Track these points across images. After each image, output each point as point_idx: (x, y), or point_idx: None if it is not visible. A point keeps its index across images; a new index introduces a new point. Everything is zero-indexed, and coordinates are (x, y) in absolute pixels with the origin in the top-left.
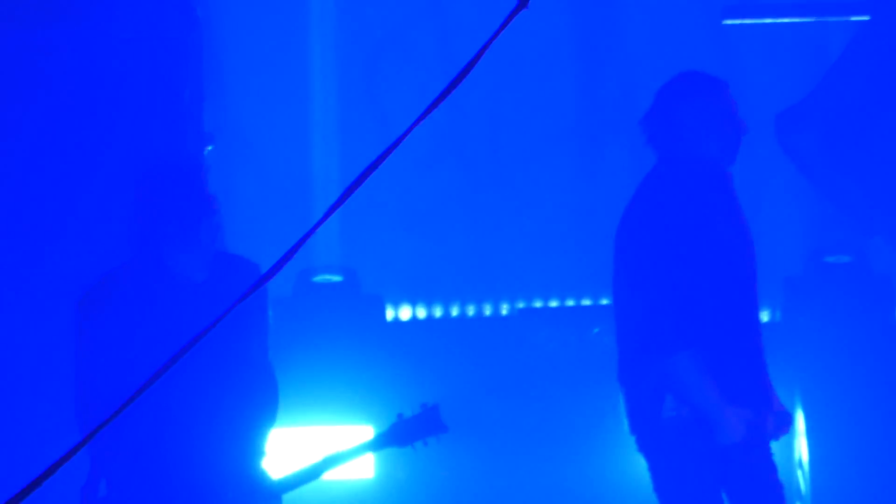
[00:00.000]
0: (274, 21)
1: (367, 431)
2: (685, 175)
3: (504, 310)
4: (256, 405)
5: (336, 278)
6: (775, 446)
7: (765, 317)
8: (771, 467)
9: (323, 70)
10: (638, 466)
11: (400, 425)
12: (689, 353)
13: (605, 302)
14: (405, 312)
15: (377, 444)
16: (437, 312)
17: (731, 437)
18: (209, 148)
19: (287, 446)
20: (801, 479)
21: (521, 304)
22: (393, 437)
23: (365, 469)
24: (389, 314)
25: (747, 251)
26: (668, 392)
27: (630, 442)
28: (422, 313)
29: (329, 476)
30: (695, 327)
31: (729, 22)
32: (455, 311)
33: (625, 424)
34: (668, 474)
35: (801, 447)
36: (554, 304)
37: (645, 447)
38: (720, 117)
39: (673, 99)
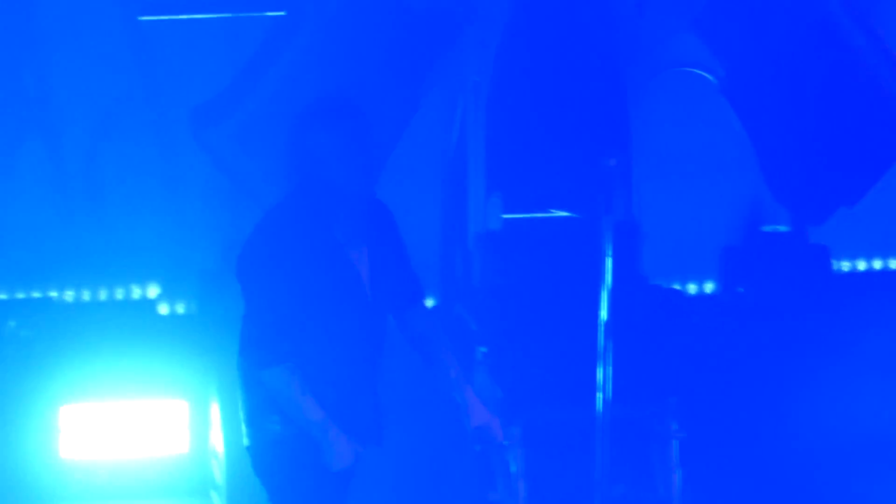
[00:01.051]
0: None
1: None
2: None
3: None
4: None
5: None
6: None
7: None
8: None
9: None
10: None
11: None
12: (284, 368)
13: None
14: None
15: None
16: None
17: (338, 463)
18: None
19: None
20: (217, 470)
21: None
22: None
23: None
24: None
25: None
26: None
27: None
28: None
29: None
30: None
31: (146, 18)
32: None
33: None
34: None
35: (217, 438)
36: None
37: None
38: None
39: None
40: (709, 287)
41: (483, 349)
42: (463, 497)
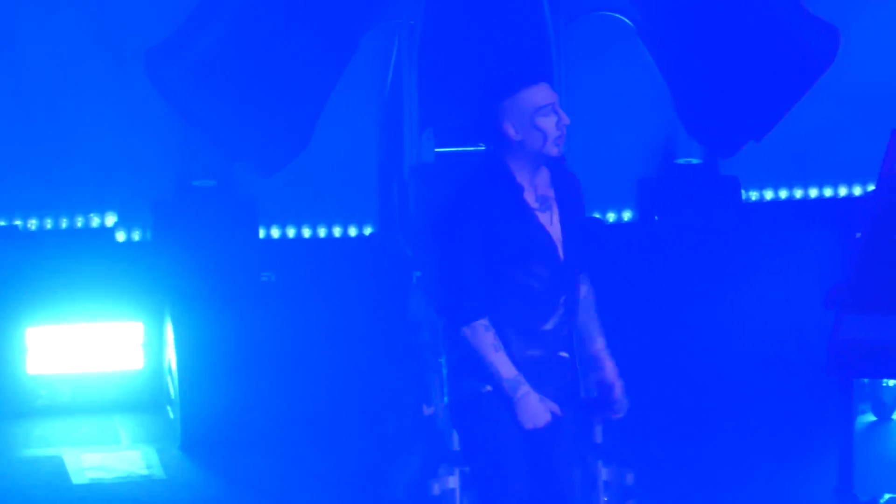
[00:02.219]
0: None
1: None
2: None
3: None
4: None
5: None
6: None
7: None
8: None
9: None
10: None
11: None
12: (481, 324)
13: None
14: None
15: None
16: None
17: (531, 422)
18: None
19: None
20: (170, 385)
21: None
22: None
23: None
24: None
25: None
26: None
27: None
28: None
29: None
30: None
31: None
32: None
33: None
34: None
35: (171, 356)
36: None
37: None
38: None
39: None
40: (627, 215)
41: (418, 273)
42: None
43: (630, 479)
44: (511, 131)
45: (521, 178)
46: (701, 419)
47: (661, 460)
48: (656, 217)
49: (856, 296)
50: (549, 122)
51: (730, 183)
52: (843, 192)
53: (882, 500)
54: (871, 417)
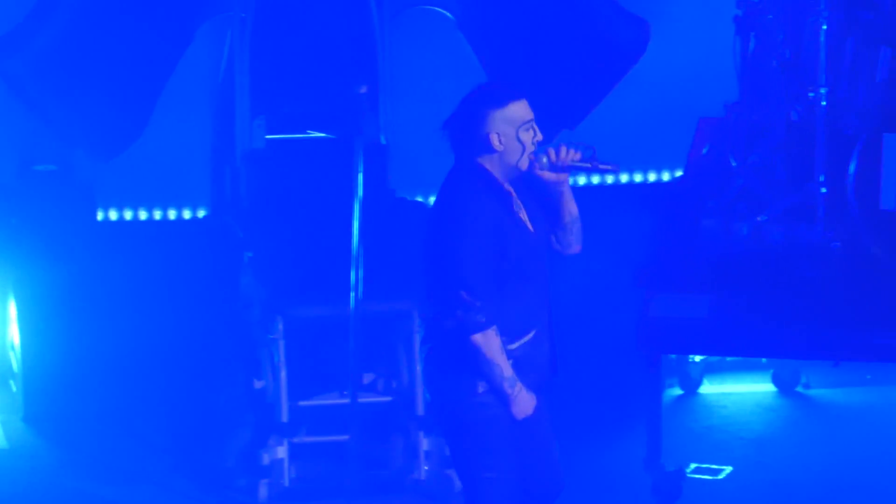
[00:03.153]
0: None
1: None
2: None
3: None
4: None
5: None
6: None
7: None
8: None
9: None
10: None
11: None
12: (492, 331)
13: None
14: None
15: None
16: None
17: (524, 412)
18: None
19: None
20: (13, 360)
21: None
22: None
23: None
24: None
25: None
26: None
27: None
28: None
29: None
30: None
31: None
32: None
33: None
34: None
35: (14, 333)
36: None
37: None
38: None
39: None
40: None
41: (249, 254)
42: None
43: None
44: (496, 141)
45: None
46: None
47: None
48: None
49: (663, 276)
50: (528, 137)
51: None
52: (652, 177)
53: (688, 470)
54: (678, 391)
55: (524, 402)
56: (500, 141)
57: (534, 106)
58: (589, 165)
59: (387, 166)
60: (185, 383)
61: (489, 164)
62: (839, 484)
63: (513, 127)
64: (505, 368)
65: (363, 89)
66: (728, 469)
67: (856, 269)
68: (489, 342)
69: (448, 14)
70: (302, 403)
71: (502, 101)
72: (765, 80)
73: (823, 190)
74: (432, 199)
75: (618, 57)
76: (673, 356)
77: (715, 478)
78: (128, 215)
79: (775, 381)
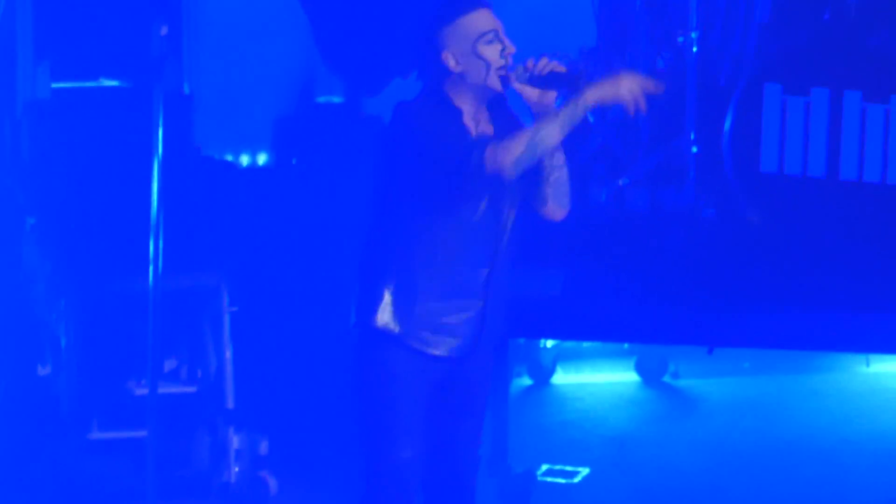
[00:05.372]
0: None
1: None
2: None
3: None
4: None
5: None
6: None
7: None
8: None
9: None
10: None
11: None
12: None
13: None
14: None
15: None
16: None
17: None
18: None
19: None
20: None
21: None
22: None
23: None
24: None
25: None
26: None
27: None
28: None
29: None
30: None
31: None
32: None
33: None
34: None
35: None
36: None
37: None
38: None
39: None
40: (262, 158)
41: (31, 220)
42: None
43: (264, 447)
44: (451, 62)
45: (462, 109)
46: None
47: (298, 428)
48: (294, 160)
49: None
50: (491, 51)
51: (373, 122)
52: None
53: (539, 472)
54: (527, 381)
55: (614, 81)
56: (455, 60)
57: (361, 52)
58: (577, 83)
59: (191, 120)
60: None
61: (456, 91)
62: (710, 487)
63: (468, 42)
64: (535, 130)
65: (164, 30)
66: (585, 471)
67: (732, 240)
68: (497, 148)
69: None
70: (93, 393)
71: (450, 16)
72: (626, 22)
73: (694, 149)
74: (244, 159)
75: None
76: (521, 341)
77: (569, 481)
78: None
79: (639, 369)
